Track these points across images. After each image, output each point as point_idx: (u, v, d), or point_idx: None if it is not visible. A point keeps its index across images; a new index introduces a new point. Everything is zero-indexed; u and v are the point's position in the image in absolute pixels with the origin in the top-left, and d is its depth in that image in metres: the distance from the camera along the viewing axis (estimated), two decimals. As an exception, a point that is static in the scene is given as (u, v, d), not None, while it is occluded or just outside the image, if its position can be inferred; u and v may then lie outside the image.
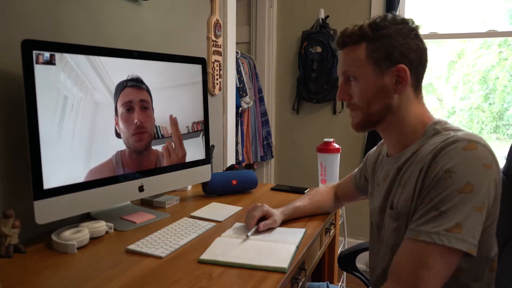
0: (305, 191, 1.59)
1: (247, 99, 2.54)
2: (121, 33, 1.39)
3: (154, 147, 1.27)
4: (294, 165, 2.95)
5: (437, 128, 0.87)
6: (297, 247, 1.03)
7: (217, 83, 1.98)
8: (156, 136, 1.28)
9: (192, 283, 0.85)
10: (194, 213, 1.30)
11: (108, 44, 1.33)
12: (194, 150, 1.43)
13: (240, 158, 2.57)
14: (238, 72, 2.45)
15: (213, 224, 1.20)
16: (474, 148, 0.77)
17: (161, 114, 1.29)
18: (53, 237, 1.03)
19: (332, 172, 1.55)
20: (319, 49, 2.65)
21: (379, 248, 0.98)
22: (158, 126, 1.28)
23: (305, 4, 2.79)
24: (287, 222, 1.23)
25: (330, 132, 2.79)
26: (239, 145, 2.55)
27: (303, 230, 1.15)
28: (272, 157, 2.91)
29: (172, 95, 1.33)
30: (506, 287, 0.95)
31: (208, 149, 1.48)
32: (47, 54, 0.97)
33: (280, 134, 3.00)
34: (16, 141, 1.06)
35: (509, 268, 0.96)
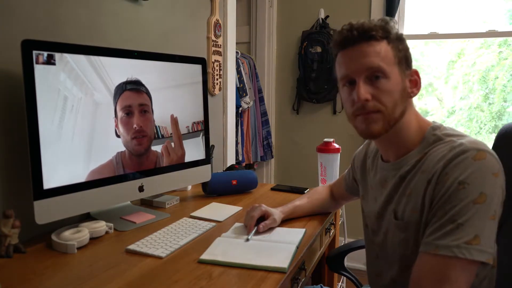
0: (305, 191, 1.59)
1: (247, 99, 2.54)
2: (121, 33, 1.39)
3: (153, 148, 1.27)
4: (294, 165, 2.95)
5: (437, 134, 0.86)
6: (297, 247, 1.03)
7: (217, 83, 1.98)
8: (156, 136, 1.28)
9: (192, 283, 0.85)
10: (194, 213, 1.30)
11: (108, 44, 1.33)
12: (194, 150, 1.43)
13: (240, 158, 2.57)
14: (238, 72, 2.45)
15: (213, 224, 1.20)
16: (483, 157, 0.77)
17: (161, 114, 1.29)
18: (53, 237, 1.03)
19: (332, 172, 1.55)
20: (319, 49, 2.65)
21: (378, 253, 0.98)
22: (158, 126, 1.28)
23: (305, 4, 2.79)
24: (287, 222, 1.23)
25: (330, 132, 2.79)
26: (239, 145, 2.55)
27: (303, 230, 1.15)
28: (272, 157, 2.91)
29: (172, 95, 1.33)
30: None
31: (208, 149, 1.48)
32: (47, 54, 0.97)
33: (280, 134, 3.00)
34: (16, 141, 1.06)
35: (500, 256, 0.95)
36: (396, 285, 0.92)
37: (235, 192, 1.56)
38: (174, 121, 1.33)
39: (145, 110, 1.22)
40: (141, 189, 1.24)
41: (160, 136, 1.30)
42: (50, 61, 0.98)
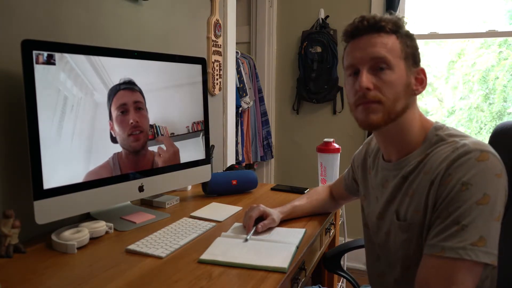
0: (305, 191, 1.59)
1: (247, 99, 2.54)
2: (121, 33, 1.39)
3: (150, 148, 1.27)
4: (294, 165, 2.95)
5: (440, 134, 0.86)
6: (297, 247, 1.02)
7: (217, 83, 1.98)
8: (156, 136, 1.28)
9: (192, 283, 0.85)
10: (194, 213, 1.30)
11: (108, 44, 1.33)
12: (194, 150, 1.43)
13: (240, 158, 2.57)
14: (238, 72, 2.45)
15: (213, 224, 1.20)
16: (486, 158, 0.77)
17: (161, 114, 1.29)
18: (53, 237, 1.03)
19: (332, 172, 1.55)
20: (319, 49, 2.65)
21: (379, 253, 0.98)
22: (158, 126, 1.28)
23: (305, 4, 2.79)
24: (287, 222, 1.23)
25: (330, 132, 2.79)
26: (239, 145, 2.55)
27: (303, 230, 1.15)
28: (272, 157, 2.91)
29: (172, 95, 1.33)
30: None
31: (208, 149, 1.48)
32: (47, 54, 0.97)
33: (280, 134, 3.00)
34: (16, 141, 1.06)
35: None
36: (399, 286, 0.92)
37: (235, 192, 1.56)
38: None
39: (140, 107, 1.22)
40: (141, 189, 1.24)
41: (160, 136, 1.29)
42: (50, 61, 0.98)
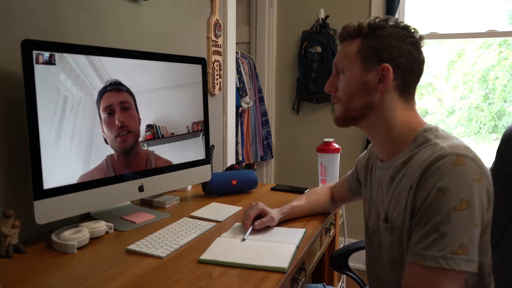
0: (305, 191, 1.59)
1: (247, 99, 2.54)
2: (121, 33, 1.39)
3: (151, 148, 1.27)
4: (294, 165, 2.95)
5: (426, 136, 0.85)
6: (297, 247, 1.03)
7: (217, 83, 1.98)
8: (156, 136, 1.28)
9: (192, 283, 0.85)
10: (194, 213, 1.30)
11: (108, 44, 1.33)
12: (194, 150, 1.43)
13: (240, 158, 2.57)
14: (238, 72, 2.45)
15: (213, 224, 1.20)
16: (462, 163, 0.76)
17: (161, 114, 1.29)
18: (53, 237, 1.03)
19: (332, 172, 1.55)
20: (319, 49, 2.65)
21: (378, 256, 0.97)
22: (158, 126, 1.28)
23: (305, 4, 2.79)
24: (287, 222, 1.23)
25: (330, 132, 2.79)
26: (239, 145, 2.55)
27: (303, 230, 1.15)
28: (272, 157, 2.91)
29: (172, 95, 1.33)
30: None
31: (208, 149, 1.48)
32: (47, 54, 0.97)
33: (280, 134, 3.00)
34: (16, 141, 1.06)
35: (503, 264, 0.96)
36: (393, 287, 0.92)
37: (235, 192, 1.56)
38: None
39: (127, 107, 1.19)
40: (141, 189, 1.24)
41: (160, 136, 1.29)
42: (50, 61, 0.98)
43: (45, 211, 0.98)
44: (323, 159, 1.53)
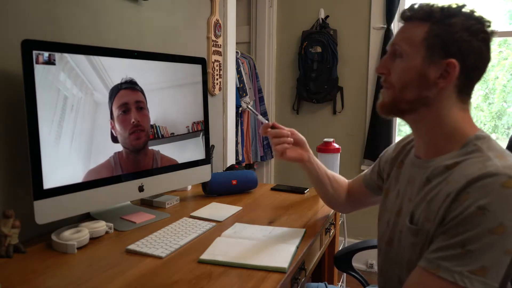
0: (305, 191, 1.59)
1: (247, 99, 2.54)
2: (121, 33, 1.39)
3: (151, 147, 1.27)
4: (294, 165, 2.94)
5: (478, 145, 0.78)
6: (297, 247, 1.03)
7: (217, 83, 1.98)
8: (156, 136, 1.28)
9: (192, 283, 0.85)
10: (194, 213, 1.30)
11: (108, 44, 1.33)
12: (194, 150, 1.43)
13: (240, 158, 2.57)
14: (238, 72, 2.45)
15: (213, 224, 1.20)
16: None
17: (160, 114, 1.29)
18: (53, 237, 1.03)
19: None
20: (319, 49, 2.65)
21: (391, 250, 0.92)
22: (158, 126, 1.28)
23: (305, 4, 2.79)
24: (287, 222, 1.23)
25: (330, 132, 2.79)
26: (239, 145, 2.55)
27: (303, 230, 1.15)
28: (272, 157, 2.91)
29: (172, 95, 1.33)
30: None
31: (208, 149, 1.48)
32: (47, 54, 0.97)
33: (280, 134, 2.99)
34: (16, 141, 1.06)
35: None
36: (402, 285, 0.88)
37: (235, 192, 1.56)
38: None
39: (141, 107, 1.22)
40: (141, 189, 1.24)
41: (160, 136, 1.30)
42: (50, 61, 0.98)
43: (45, 211, 0.98)
44: (323, 159, 1.53)
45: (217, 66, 1.97)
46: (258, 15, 2.88)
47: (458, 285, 0.68)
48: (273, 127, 1.15)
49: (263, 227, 1.17)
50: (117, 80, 1.15)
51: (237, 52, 2.36)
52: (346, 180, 1.27)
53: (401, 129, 2.73)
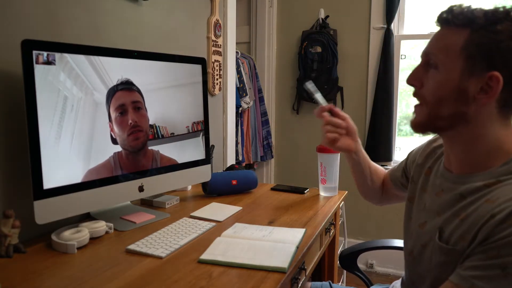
0: (305, 191, 1.59)
1: (247, 99, 2.55)
2: (121, 33, 1.39)
3: (151, 147, 1.27)
4: (294, 165, 2.96)
5: None
6: (297, 247, 1.03)
7: (217, 83, 1.98)
8: (156, 136, 1.28)
9: (192, 283, 0.85)
10: (194, 213, 1.30)
11: (108, 44, 1.33)
12: (194, 150, 1.43)
13: (240, 158, 2.57)
14: (238, 72, 2.45)
15: (213, 224, 1.20)
16: None
17: (160, 114, 1.29)
18: (53, 237, 1.03)
19: (332, 172, 1.55)
20: (319, 49, 2.65)
21: (412, 262, 0.90)
22: (158, 126, 1.28)
23: (305, 4, 2.79)
24: (286, 222, 1.23)
25: (330, 132, 2.79)
26: (239, 145, 2.55)
27: (303, 230, 1.15)
28: (272, 157, 2.91)
29: (172, 95, 1.33)
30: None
31: (208, 149, 1.48)
32: (47, 54, 0.97)
33: (280, 134, 3.00)
34: (16, 141, 1.06)
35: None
36: None
37: (235, 192, 1.56)
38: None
39: (139, 107, 1.22)
40: (141, 189, 1.24)
41: (160, 136, 1.30)
42: (50, 61, 0.98)
43: (45, 211, 0.98)
44: (323, 159, 1.53)
45: (217, 66, 1.97)
46: (258, 15, 2.88)
47: None
48: (330, 111, 1.06)
49: (263, 227, 1.17)
50: (117, 80, 1.15)
51: (237, 52, 2.36)
52: (384, 171, 1.20)
53: (401, 129, 2.73)
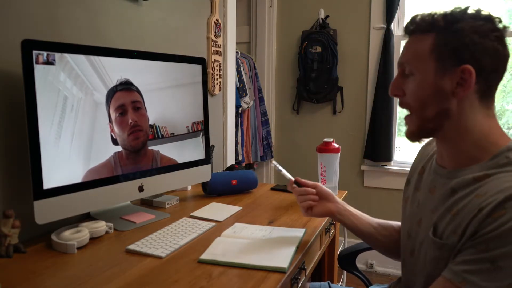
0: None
1: (247, 99, 2.54)
2: (121, 33, 1.39)
3: (150, 147, 1.27)
4: (294, 165, 2.95)
5: (511, 157, 0.74)
6: (297, 247, 1.03)
7: (217, 83, 1.98)
8: (156, 136, 1.28)
9: (192, 283, 0.85)
10: (194, 213, 1.30)
11: (108, 44, 1.33)
12: (194, 150, 1.43)
13: (240, 158, 2.57)
14: (238, 72, 2.45)
15: (213, 224, 1.20)
16: None
17: (161, 114, 1.29)
18: (53, 237, 1.03)
19: (332, 172, 1.55)
20: (319, 49, 2.65)
21: (413, 264, 0.90)
22: (158, 126, 1.28)
23: (305, 4, 2.79)
24: (287, 222, 1.23)
25: (330, 132, 2.79)
26: (239, 145, 2.55)
27: (303, 230, 1.15)
28: (272, 157, 2.91)
29: (172, 95, 1.33)
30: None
31: (208, 149, 1.48)
32: (47, 54, 0.97)
33: (280, 134, 3.00)
34: (16, 141, 1.06)
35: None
36: None
37: (235, 192, 1.56)
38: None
39: (138, 107, 1.22)
40: (141, 189, 1.24)
41: (160, 136, 1.30)
42: (50, 61, 0.98)
43: (45, 211, 0.98)
44: (323, 159, 1.53)
45: (217, 66, 1.97)
46: (258, 15, 2.88)
47: None
48: (296, 182, 1.10)
49: (263, 227, 1.17)
50: (117, 80, 1.15)
51: (237, 52, 2.36)
52: (398, 223, 1.11)
53: (401, 129, 2.73)
